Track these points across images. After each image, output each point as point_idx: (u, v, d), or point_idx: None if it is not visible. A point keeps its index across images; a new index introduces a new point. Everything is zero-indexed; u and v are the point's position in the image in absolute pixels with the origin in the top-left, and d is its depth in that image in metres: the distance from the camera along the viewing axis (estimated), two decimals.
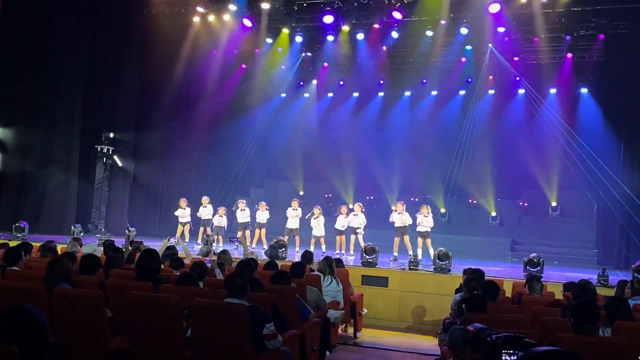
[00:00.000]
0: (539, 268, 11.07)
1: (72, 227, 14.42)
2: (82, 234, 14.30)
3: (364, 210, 14.96)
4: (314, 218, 14.99)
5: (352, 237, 14.74)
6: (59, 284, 5.43)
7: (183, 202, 16.01)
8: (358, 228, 14.65)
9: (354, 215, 14.76)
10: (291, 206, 15.41)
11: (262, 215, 15.52)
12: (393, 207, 14.50)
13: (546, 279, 10.04)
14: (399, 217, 14.08)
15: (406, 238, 14.03)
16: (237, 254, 12.09)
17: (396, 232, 14.15)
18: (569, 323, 4.65)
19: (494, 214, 19.16)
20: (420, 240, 13.90)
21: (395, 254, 13.99)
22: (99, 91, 18.29)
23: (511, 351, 2.29)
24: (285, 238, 14.65)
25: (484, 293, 6.08)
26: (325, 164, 20.40)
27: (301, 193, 20.88)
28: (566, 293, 7.67)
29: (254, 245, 15.23)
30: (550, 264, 13.16)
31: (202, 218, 15.87)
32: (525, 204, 19.30)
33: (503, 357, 2.39)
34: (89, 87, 17.82)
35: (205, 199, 16.03)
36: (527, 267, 11.21)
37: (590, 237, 17.09)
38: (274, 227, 15.98)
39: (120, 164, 18.81)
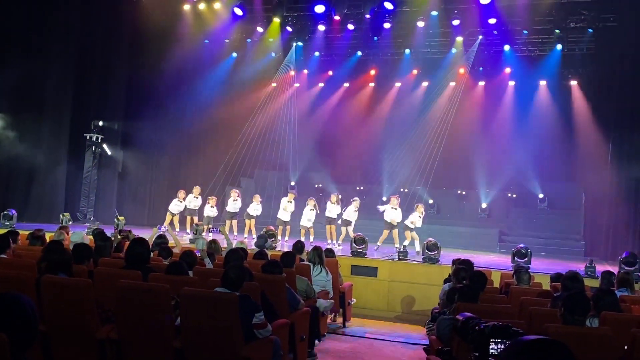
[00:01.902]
0: (526, 259, 11.16)
1: (61, 216, 14.38)
2: (70, 222, 14.26)
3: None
4: (310, 210, 14.90)
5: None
6: (57, 274, 5.39)
7: (182, 193, 15.86)
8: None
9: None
10: (286, 197, 15.31)
11: (254, 209, 15.45)
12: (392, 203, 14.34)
13: (534, 270, 10.09)
14: (394, 212, 14.05)
15: (395, 232, 14.02)
16: (225, 243, 12.06)
17: (386, 225, 14.14)
18: (559, 313, 4.69)
19: (484, 205, 19.24)
20: (407, 233, 13.91)
21: (379, 243, 13.99)
22: (89, 79, 18.15)
23: (499, 340, 2.31)
24: (280, 229, 14.61)
25: (472, 283, 6.10)
26: (315, 154, 20.38)
27: (292, 183, 20.87)
28: (554, 284, 7.74)
29: (245, 235, 15.22)
30: (538, 255, 13.25)
31: (189, 207, 15.83)
32: (514, 196, 19.38)
33: (491, 346, 2.41)
34: (78, 75, 17.68)
35: (197, 189, 16.00)
36: (515, 258, 11.29)
37: (578, 229, 17.20)
38: (263, 217, 15.95)
39: (109, 153, 18.72)
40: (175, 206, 15.75)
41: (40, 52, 16.67)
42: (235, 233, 15.40)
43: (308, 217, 14.78)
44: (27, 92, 16.78)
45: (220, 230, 11.97)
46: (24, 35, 16.42)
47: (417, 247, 13.30)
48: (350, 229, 14.36)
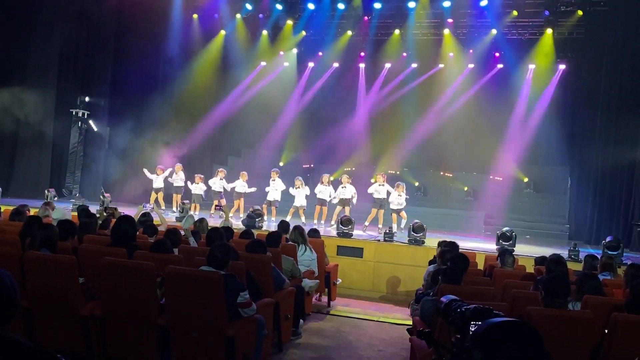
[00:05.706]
0: (511, 242, 11.24)
1: (46, 192, 14.27)
2: (56, 198, 14.16)
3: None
4: (295, 188, 14.89)
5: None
6: (39, 250, 5.37)
7: (160, 169, 15.86)
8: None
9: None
10: (271, 177, 15.29)
11: (242, 185, 15.42)
12: (374, 180, 14.38)
13: (518, 253, 10.18)
14: (382, 188, 14.09)
15: (381, 212, 14.05)
16: (212, 222, 12.04)
17: (375, 203, 14.18)
18: (540, 297, 4.73)
19: (465, 189, 19.34)
20: (394, 215, 13.95)
21: (367, 223, 14.02)
22: (75, 54, 17.91)
23: (479, 322, 2.33)
24: (264, 208, 14.58)
25: (453, 265, 6.11)
26: (304, 134, 20.30)
27: (281, 164, 20.81)
28: (537, 267, 7.81)
29: (231, 214, 15.21)
30: (522, 238, 13.34)
31: (175, 185, 15.81)
32: (500, 179, 19.45)
33: (471, 328, 2.43)
34: (64, 49, 17.45)
35: (178, 167, 15.95)
36: (500, 241, 11.37)
37: (563, 213, 17.33)
38: (250, 196, 15.92)
39: (95, 129, 18.55)
40: (160, 181, 15.71)
41: (23, 25, 16.38)
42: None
43: (298, 196, 14.76)
44: (11, 66, 16.54)
45: (222, 210, 11.95)
46: (9, 8, 16.12)
47: (402, 226, 13.35)
48: (348, 208, 14.27)
